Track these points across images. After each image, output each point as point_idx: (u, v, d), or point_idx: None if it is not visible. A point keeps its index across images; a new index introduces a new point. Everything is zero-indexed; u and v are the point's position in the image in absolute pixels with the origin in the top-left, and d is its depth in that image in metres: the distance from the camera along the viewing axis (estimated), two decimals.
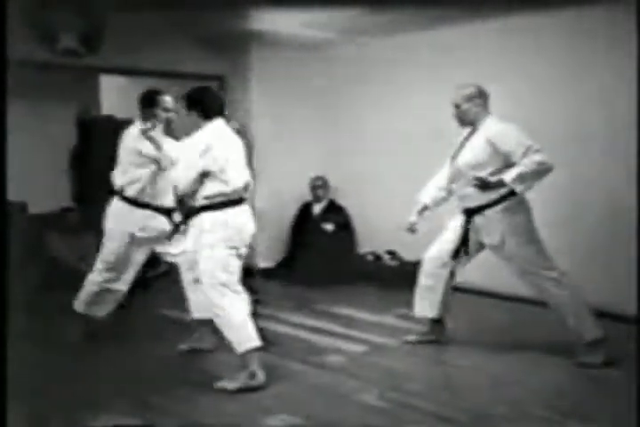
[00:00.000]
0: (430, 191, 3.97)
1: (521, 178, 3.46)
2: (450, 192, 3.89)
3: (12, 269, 4.94)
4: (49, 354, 3.84)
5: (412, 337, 4.10)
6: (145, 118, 3.90)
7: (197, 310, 3.89)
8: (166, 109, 3.93)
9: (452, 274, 3.95)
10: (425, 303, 3.97)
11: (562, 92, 4.68)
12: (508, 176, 3.47)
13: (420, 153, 5.24)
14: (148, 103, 3.93)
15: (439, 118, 4.37)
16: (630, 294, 3.77)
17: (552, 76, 4.72)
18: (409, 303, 4.06)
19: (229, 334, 3.28)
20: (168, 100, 3.95)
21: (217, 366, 3.68)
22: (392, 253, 5.83)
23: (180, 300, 4.06)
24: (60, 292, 4.30)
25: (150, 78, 6.27)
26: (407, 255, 5.61)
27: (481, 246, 3.83)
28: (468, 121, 3.77)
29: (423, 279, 3.98)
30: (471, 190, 3.64)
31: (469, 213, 3.74)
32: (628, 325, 4.07)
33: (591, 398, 3.23)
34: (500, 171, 3.56)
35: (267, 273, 6.07)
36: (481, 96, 3.74)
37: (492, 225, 3.67)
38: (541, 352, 3.80)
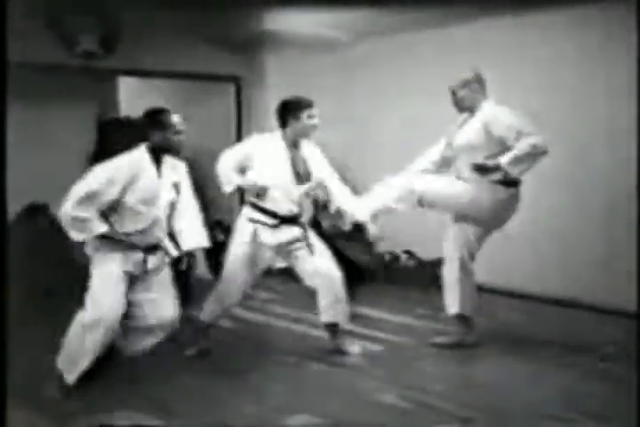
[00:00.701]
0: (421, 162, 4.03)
1: (515, 161, 3.47)
2: (437, 168, 3.96)
3: (36, 271, 5.02)
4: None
5: (440, 339, 4.03)
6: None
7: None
8: None
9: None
10: (449, 299, 3.95)
11: (566, 90, 4.67)
12: (504, 160, 3.48)
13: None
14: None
15: (452, 117, 4.37)
16: (630, 290, 3.76)
17: (556, 73, 4.70)
18: (426, 303, 4.07)
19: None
20: None
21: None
22: (409, 253, 5.83)
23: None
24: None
25: (167, 80, 6.35)
26: (425, 255, 5.61)
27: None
28: (465, 107, 3.77)
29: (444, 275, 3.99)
30: (467, 175, 3.66)
31: None
32: (629, 321, 4.07)
33: (611, 398, 3.21)
34: (495, 155, 3.56)
35: (285, 272, 6.07)
36: (478, 81, 3.73)
37: None
38: (558, 352, 3.80)
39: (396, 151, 5.81)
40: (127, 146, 6.59)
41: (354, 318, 4.68)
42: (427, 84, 5.49)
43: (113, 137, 6.48)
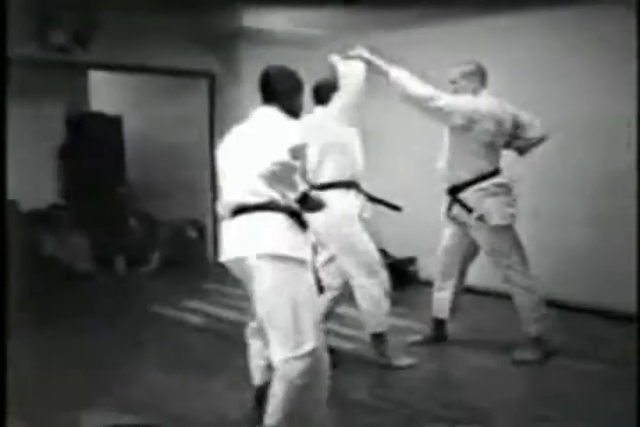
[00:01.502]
0: None
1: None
2: None
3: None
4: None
5: (416, 338, 4.05)
6: None
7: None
8: None
9: (463, 274, 3.96)
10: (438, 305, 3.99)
11: (566, 91, 4.68)
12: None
13: (412, 151, 5.24)
14: None
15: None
16: (630, 292, 3.79)
17: (556, 73, 4.72)
18: (399, 301, 4.07)
19: None
20: None
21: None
22: (383, 251, 5.82)
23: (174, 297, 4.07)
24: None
25: (140, 75, 6.28)
26: (398, 253, 5.62)
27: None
28: None
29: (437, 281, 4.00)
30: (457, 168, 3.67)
31: (453, 192, 3.73)
32: (629, 324, 4.07)
33: (591, 397, 3.24)
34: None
35: None
36: (479, 73, 3.72)
37: (474, 203, 3.65)
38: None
39: (372, 148, 5.81)
40: (98, 141, 6.53)
41: (328, 316, 4.69)
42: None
43: (83, 132, 6.40)
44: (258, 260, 2.45)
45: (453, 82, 3.73)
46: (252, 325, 2.82)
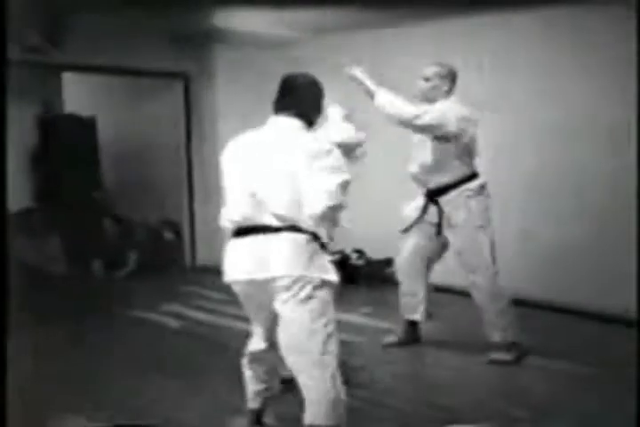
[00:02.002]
0: None
1: None
2: None
3: None
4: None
5: (391, 339, 4.03)
6: None
7: None
8: None
9: (428, 275, 3.97)
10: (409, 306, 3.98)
11: (565, 91, 4.67)
12: None
13: (387, 151, 5.25)
14: None
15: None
16: (630, 296, 3.82)
17: (555, 73, 4.71)
18: (375, 302, 4.08)
19: None
20: None
21: None
22: (359, 252, 5.85)
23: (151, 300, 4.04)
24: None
25: (114, 76, 6.22)
26: (374, 254, 5.64)
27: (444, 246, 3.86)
28: (430, 98, 3.70)
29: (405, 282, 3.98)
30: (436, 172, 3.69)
31: (432, 195, 3.75)
32: (629, 328, 4.06)
33: (562, 396, 3.26)
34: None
35: None
36: (452, 77, 3.73)
37: (454, 206, 3.68)
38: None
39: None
40: (72, 142, 6.46)
41: None
42: (384, 83, 5.51)
43: (56, 134, 6.34)
44: (292, 282, 2.34)
45: (428, 79, 3.71)
46: (253, 349, 2.66)
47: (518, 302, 3.89)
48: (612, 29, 4.34)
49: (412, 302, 3.95)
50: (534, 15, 4.69)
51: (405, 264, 3.96)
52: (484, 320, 3.72)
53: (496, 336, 3.69)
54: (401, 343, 3.99)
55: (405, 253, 3.93)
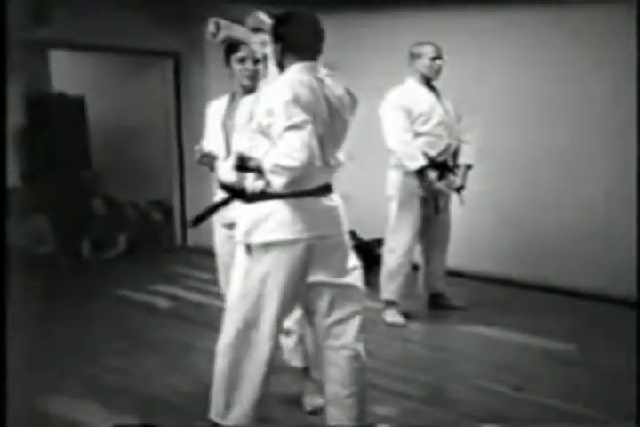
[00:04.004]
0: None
1: None
2: None
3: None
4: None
5: (397, 319, 4.12)
6: None
7: None
8: None
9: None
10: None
11: (565, 91, 4.67)
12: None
13: (375, 136, 5.22)
14: None
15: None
16: (631, 278, 3.84)
17: (555, 73, 4.70)
18: (366, 282, 4.06)
19: None
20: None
21: None
22: (351, 233, 5.81)
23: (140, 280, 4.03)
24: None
25: (103, 54, 6.13)
26: (365, 235, 5.62)
27: None
28: (436, 77, 3.98)
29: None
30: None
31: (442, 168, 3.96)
32: (630, 309, 4.11)
33: (543, 373, 3.33)
34: None
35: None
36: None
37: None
38: (504, 331, 3.90)
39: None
40: (61, 122, 6.36)
41: None
42: (377, 64, 5.45)
43: (44, 113, 6.24)
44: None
45: (441, 58, 3.95)
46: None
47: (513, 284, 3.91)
48: (613, 30, 4.33)
49: (433, 275, 4.30)
50: (535, 15, 4.67)
51: (418, 237, 4.20)
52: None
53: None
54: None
55: (414, 227, 4.13)
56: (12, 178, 6.19)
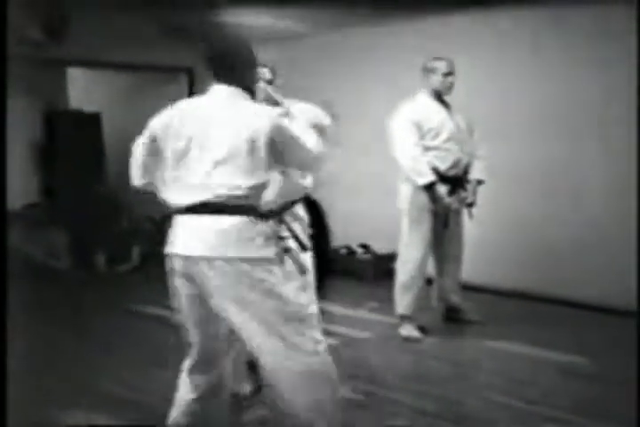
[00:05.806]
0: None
1: None
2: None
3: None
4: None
5: (413, 333, 4.06)
6: None
7: None
8: None
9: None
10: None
11: (565, 91, 4.67)
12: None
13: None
14: None
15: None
16: (630, 288, 3.80)
17: (555, 73, 4.71)
18: (382, 297, 4.07)
19: None
20: None
21: None
22: (365, 247, 5.83)
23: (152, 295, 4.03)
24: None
25: (119, 71, 6.21)
26: (380, 249, 5.62)
27: None
28: (448, 92, 3.98)
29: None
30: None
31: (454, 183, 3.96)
32: (630, 319, 4.08)
33: (559, 387, 3.28)
34: None
35: None
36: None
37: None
38: (519, 345, 3.87)
39: (355, 145, 5.81)
40: (77, 138, 6.43)
41: None
42: (385, 76, 5.49)
43: (61, 130, 6.32)
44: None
45: (453, 74, 3.93)
46: None
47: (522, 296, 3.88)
48: (613, 30, 4.32)
49: (446, 287, 4.29)
50: (534, 15, 4.68)
51: (432, 251, 4.19)
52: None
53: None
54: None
55: (424, 239, 4.10)
56: (30, 193, 6.27)
